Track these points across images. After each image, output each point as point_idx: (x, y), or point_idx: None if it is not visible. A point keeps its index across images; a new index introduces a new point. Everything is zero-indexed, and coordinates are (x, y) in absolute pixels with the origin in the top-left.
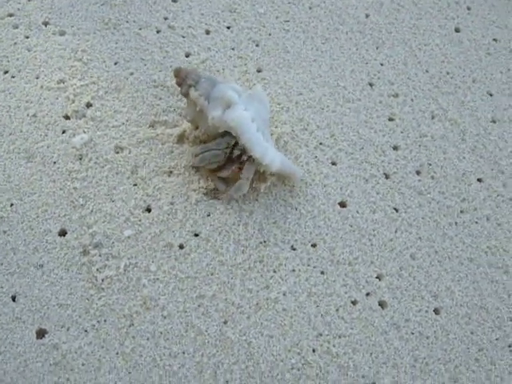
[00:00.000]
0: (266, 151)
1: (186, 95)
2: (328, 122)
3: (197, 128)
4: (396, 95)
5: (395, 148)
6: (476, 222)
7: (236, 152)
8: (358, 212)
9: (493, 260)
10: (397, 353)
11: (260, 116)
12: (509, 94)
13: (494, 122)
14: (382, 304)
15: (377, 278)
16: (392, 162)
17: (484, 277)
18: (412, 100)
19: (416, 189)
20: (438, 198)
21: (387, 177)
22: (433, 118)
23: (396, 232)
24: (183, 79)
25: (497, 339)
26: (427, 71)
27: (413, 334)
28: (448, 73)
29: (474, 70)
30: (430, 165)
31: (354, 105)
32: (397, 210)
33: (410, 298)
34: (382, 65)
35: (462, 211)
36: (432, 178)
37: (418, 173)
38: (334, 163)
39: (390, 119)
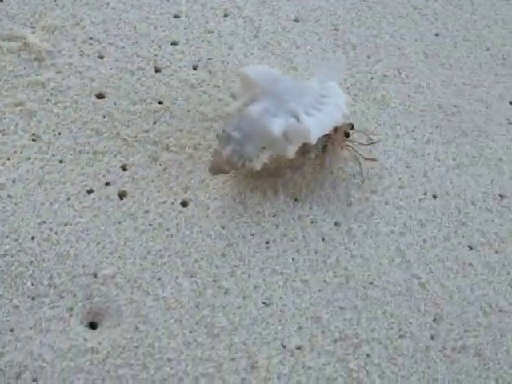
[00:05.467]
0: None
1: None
2: (104, 18)
3: None
4: None
5: (174, 43)
6: None
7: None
8: (115, 104)
9: None
10: (127, 243)
11: (275, 91)
12: None
13: (297, 21)
14: (121, 194)
15: (121, 168)
16: (166, 56)
17: None
18: None
19: (188, 82)
20: (210, 92)
21: (158, 70)
22: (226, 15)
23: (155, 123)
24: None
25: (253, 235)
26: None
27: (151, 225)
28: None
29: None
30: (210, 59)
31: (138, 2)
32: (161, 103)
33: (156, 190)
34: None
35: None
36: (209, 72)
37: (194, 67)
38: (101, 57)
39: (176, 16)
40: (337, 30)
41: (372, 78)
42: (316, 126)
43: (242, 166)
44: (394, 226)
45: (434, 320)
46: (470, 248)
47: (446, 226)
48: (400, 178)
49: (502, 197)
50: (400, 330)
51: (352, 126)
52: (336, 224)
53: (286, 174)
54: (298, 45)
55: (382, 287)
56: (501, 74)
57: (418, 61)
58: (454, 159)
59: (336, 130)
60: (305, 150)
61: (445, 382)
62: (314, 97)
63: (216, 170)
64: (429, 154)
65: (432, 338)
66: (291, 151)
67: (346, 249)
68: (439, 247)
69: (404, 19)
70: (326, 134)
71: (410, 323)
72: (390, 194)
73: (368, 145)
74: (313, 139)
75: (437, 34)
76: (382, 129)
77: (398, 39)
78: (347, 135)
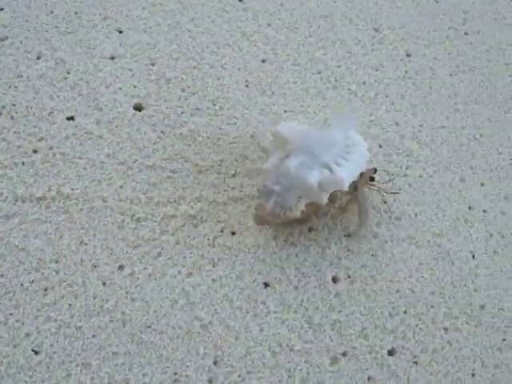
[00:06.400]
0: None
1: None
2: None
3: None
4: (5, 38)
5: None
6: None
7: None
8: None
9: None
10: None
11: (307, 146)
12: (142, 29)
13: (112, 58)
14: None
15: None
16: None
17: None
18: (21, 42)
19: None
20: (10, 139)
21: None
22: (38, 58)
23: None
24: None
25: (31, 282)
26: (52, 12)
27: None
28: (76, 12)
29: (107, 8)
30: (14, 105)
31: None
32: None
33: None
34: None
35: (35, 150)
36: (12, 118)
37: None
38: None
39: None
40: (153, 64)
41: (182, 113)
42: (347, 175)
43: (284, 215)
44: (183, 266)
45: (214, 363)
46: (266, 285)
47: (241, 264)
48: (195, 216)
49: (310, 229)
50: (175, 373)
51: (375, 171)
52: (120, 267)
53: (72, 216)
54: (108, 83)
55: (160, 331)
56: (330, 98)
57: (236, 90)
58: None
59: (361, 175)
60: (333, 195)
61: None
62: (340, 148)
63: (261, 221)
64: (233, 187)
65: (210, 381)
66: (324, 198)
67: (126, 292)
68: (229, 286)
69: (230, 47)
70: (353, 181)
71: (187, 367)
72: (182, 232)
73: (389, 181)
74: (345, 187)
75: (263, 61)
76: (184, 166)
77: (219, 69)
78: (372, 179)
